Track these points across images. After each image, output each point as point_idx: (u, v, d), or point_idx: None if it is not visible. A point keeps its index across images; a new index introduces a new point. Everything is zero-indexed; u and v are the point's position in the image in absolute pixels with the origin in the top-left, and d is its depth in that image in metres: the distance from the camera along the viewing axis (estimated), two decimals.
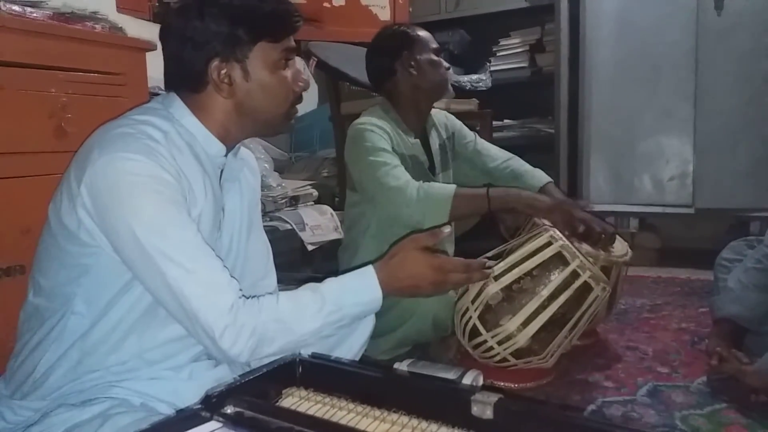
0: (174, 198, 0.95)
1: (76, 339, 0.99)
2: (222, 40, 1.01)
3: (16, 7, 1.43)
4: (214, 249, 1.00)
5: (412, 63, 1.83)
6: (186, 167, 1.00)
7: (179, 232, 0.93)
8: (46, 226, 1.02)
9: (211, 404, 0.74)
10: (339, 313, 1.01)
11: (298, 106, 1.14)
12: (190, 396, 0.96)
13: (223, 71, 1.02)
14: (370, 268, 1.06)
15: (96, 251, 0.96)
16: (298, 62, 1.06)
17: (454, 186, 1.66)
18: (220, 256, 1.06)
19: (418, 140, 1.87)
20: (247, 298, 0.97)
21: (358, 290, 1.04)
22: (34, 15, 1.47)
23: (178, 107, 1.05)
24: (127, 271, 0.96)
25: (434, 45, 1.89)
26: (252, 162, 1.25)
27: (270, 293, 1.02)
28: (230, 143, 1.10)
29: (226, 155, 1.10)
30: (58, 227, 0.99)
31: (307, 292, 1.01)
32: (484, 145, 2.01)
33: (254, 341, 0.94)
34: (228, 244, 1.13)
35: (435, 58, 1.86)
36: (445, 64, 1.90)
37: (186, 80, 1.05)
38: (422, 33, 1.88)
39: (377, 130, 1.74)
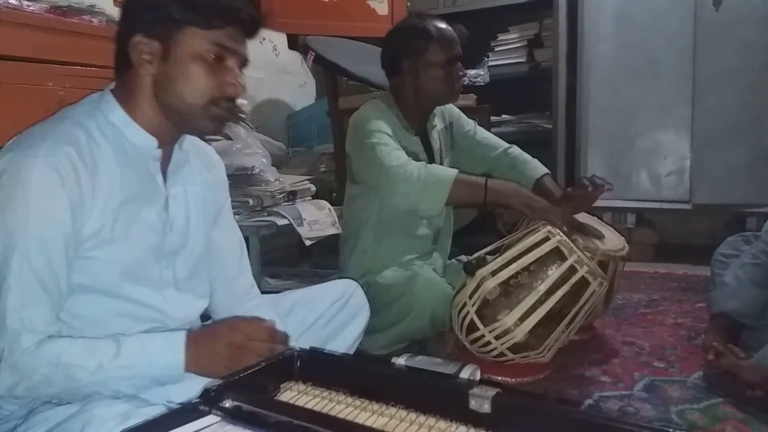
0: (50, 215, 0.92)
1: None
2: (151, 14, 0.96)
3: (13, 0, 1.42)
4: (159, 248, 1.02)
5: (420, 67, 1.75)
6: (103, 161, 0.98)
7: (32, 257, 0.91)
8: None
9: (210, 398, 0.74)
10: (131, 369, 0.94)
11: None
12: (178, 391, 0.95)
13: (146, 48, 0.97)
14: (181, 333, 0.99)
15: None
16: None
17: (456, 170, 1.64)
18: (170, 252, 1.06)
19: (418, 137, 1.86)
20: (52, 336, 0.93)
21: (158, 351, 0.97)
22: (31, 8, 1.46)
23: (108, 101, 1.03)
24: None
25: (453, 51, 1.75)
26: (210, 155, 1.21)
27: (107, 337, 0.97)
28: (163, 136, 1.05)
29: (163, 147, 1.05)
30: None
31: (109, 341, 0.95)
32: (483, 134, 2.00)
33: (23, 385, 0.91)
34: (181, 239, 1.10)
35: (448, 67, 1.75)
36: (460, 72, 1.79)
37: (116, 59, 1.02)
38: (442, 36, 1.75)
39: (382, 117, 1.73)
